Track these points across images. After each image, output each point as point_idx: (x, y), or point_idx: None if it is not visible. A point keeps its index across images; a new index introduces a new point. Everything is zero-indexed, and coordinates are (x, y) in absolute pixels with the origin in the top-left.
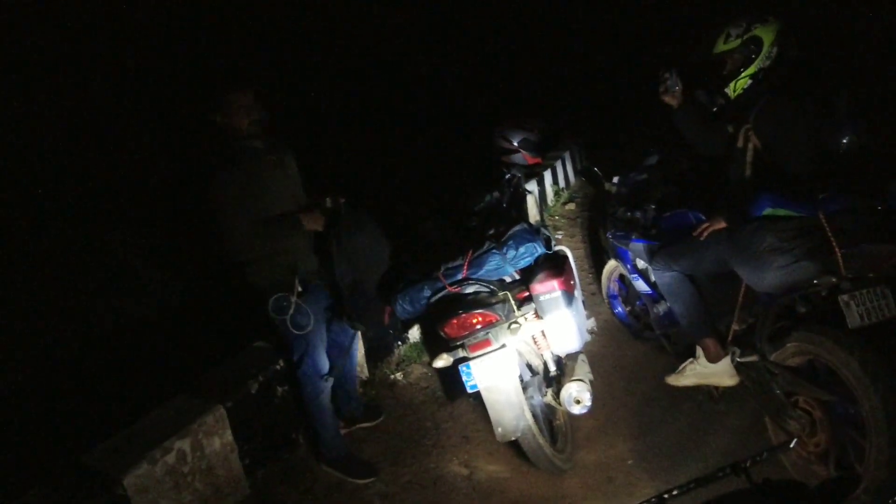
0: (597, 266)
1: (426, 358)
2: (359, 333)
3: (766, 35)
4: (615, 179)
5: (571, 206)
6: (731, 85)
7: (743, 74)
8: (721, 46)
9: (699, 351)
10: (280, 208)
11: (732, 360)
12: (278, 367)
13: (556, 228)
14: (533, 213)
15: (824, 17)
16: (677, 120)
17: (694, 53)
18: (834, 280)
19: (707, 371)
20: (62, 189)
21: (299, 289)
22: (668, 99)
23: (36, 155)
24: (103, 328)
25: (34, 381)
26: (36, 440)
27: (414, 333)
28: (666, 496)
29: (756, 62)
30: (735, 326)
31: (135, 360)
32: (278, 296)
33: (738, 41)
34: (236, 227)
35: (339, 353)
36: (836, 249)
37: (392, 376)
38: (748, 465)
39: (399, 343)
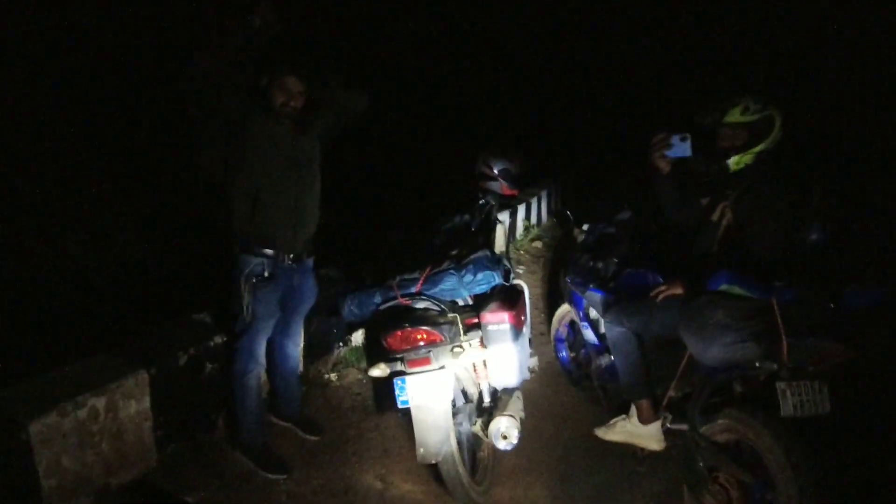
0: (550, 308)
1: (364, 364)
2: (302, 328)
3: (778, 117)
4: (585, 227)
5: (538, 244)
6: (736, 158)
7: (751, 150)
8: (737, 117)
9: (633, 410)
10: (272, 160)
11: (663, 426)
12: (212, 343)
13: (518, 262)
14: (500, 244)
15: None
16: (660, 184)
17: (703, 118)
18: (775, 366)
19: (637, 431)
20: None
21: (266, 273)
22: (661, 163)
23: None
24: (48, 273)
25: None
26: None
27: (357, 337)
28: None
29: (766, 141)
30: (671, 393)
31: (73, 306)
32: (260, 261)
33: (757, 116)
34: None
35: (283, 340)
36: (783, 337)
37: (327, 376)
38: None
39: (340, 344)
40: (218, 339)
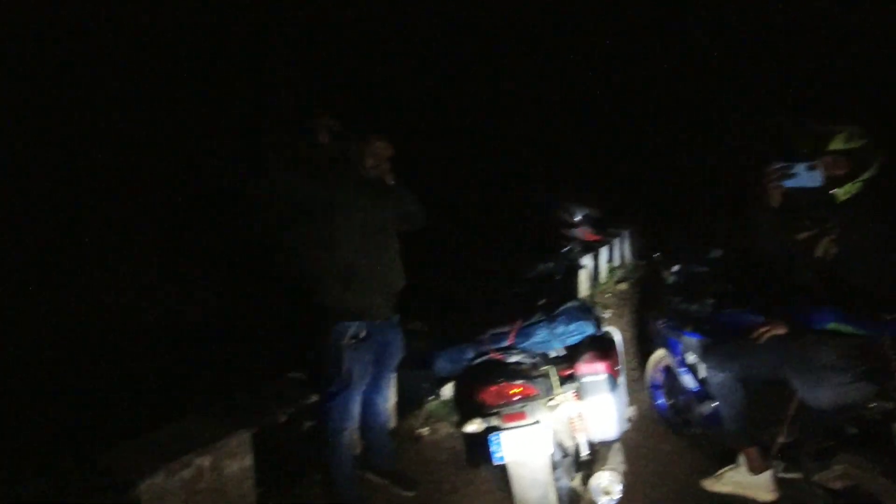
0: (641, 351)
1: (455, 418)
2: (391, 383)
3: (876, 145)
4: (674, 268)
5: (624, 285)
6: (847, 187)
7: (860, 179)
8: (840, 144)
9: (741, 459)
10: (359, 225)
11: (774, 474)
12: (309, 401)
13: (605, 307)
14: (584, 288)
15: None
16: (763, 215)
17: (800, 146)
18: (890, 406)
19: (746, 482)
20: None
21: (362, 335)
22: (775, 193)
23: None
24: (151, 324)
25: (71, 371)
26: (62, 434)
27: (446, 391)
28: None
29: (872, 167)
30: (781, 439)
31: (173, 369)
32: (356, 324)
33: (861, 142)
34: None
35: (374, 396)
36: None
37: (418, 431)
38: None
39: (430, 398)
40: (314, 398)
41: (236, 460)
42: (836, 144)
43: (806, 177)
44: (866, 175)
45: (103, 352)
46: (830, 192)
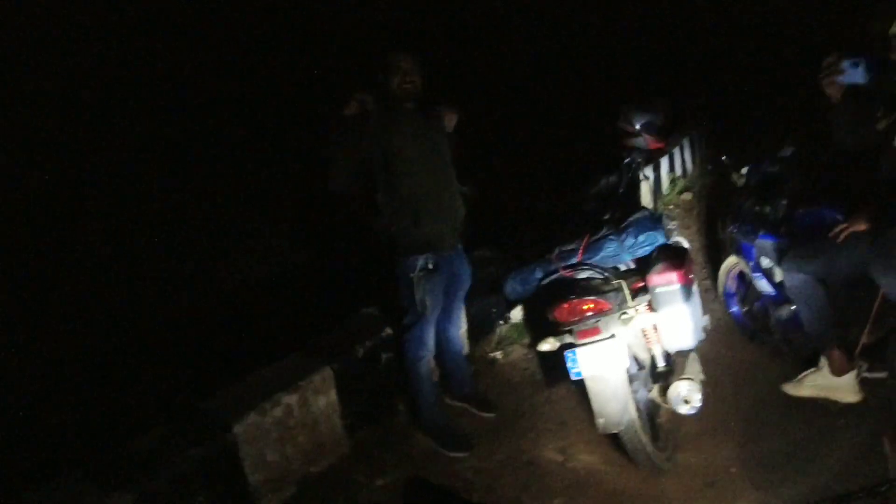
0: (711, 261)
1: (526, 339)
2: (463, 310)
3: None
4: (744, 170)
5: (688, 195)
6: None
7: None
8: None
9: (823, 361)
10: (415, 164)
11: (858, 375)
12: (384, 334)
13: (669, 218)
14: (647, 201)
15: None
16: (832, 113)
17: (872, 26)
18: None
19: (829, 384)
20: (188, 147)
21: (430, 266)
22: (831, 90)
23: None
24: (228, 287)
25: (164, 331)
26: (159, 386)
27: (516, 314)
28: None
29: None
30: (865, 339)
31: (254, 318)
32: (424, 256)
33: None
34: (344, 166)
35: (447, 324)
36: None
37: (492, 354)
38: (885, 489)
39: (501, 322)
40: (389, 331)
41: (322, 396)
42: None
43: (853, 73)
44: None
45: (196, 310)
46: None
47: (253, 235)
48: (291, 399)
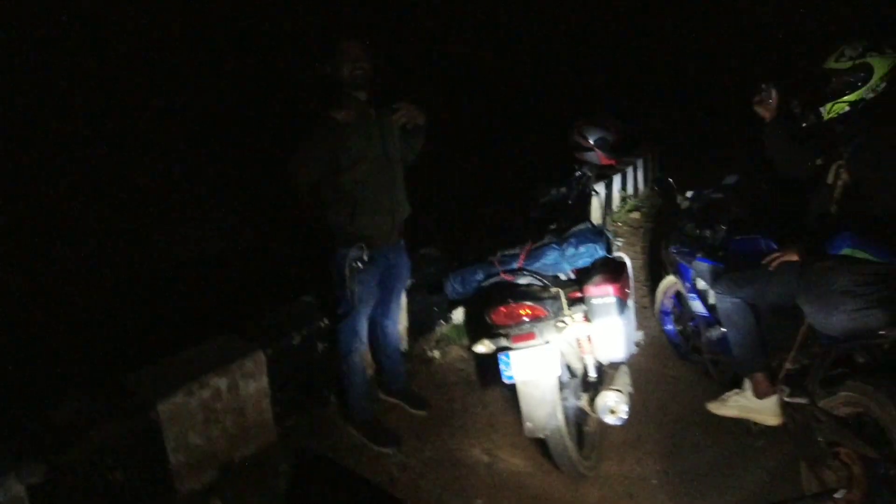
0: (652, 280)
1: (465, 341)
2: (404, 304)
3: (880, 66)
4: (689, 194)
5: (636, 214)
6: (828, 106)
7: (843, 99)
8: (831, 63)
9: (747, 384)
10: (361, 159)
11: (780, 399)
12: (322, 323)
13: (617, 235)
14: (596, 216)
15: None
16: (767, 134)
17: (801, 64)
18: None
19: (752, 406)
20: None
21: (365, 258)
22: (761, 110)
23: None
24: (167, 258)
25: (92, 300)
26: (84, 359)
27: (457, 315)
28: None
29: (860, 91)
30: (789, 365)
31: (189, 292)
32: (358, 248)
33: (850, 63)
34: (302, 158)
35: (383, 319)
36: None
37: (430, 353)
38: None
39: (442, 322)
40: (326, 321)
41: (253, 380)
42: (829, 64)
43: (767, 93)
44: (851, 97)
45: (129, 285)
46: (819, 109)
47: (201, 209)
48: (221, 382)
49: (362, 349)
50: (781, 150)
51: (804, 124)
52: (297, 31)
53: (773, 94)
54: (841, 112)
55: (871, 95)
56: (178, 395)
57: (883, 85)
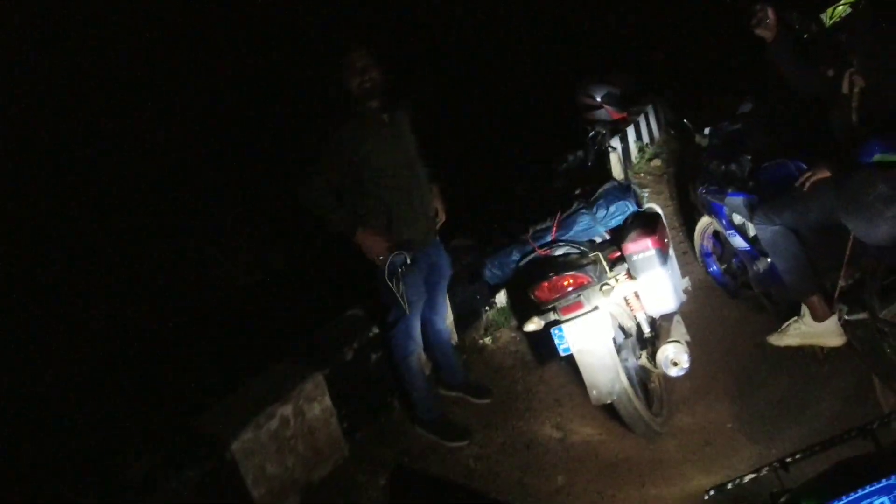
0: (687, 224)
1: (514, 322)
2: (447, 301)
3: None
4: (706, 131)
5: (657, 162)
6: (829, 11)
7: (842, 2)
8: None
9: (804, 309)
10: (385, 168)
11: (839, 319)
12: (371, 334)
13: (642, 186)
14: (617, 171)
15: None
16: (772, 55)
17: None
18: None
19: (812, 330)
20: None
21: (407, 261)
22: (761, 32)
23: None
24: (206, 295)
25: (148, 346)
26: (145, 405)
27: (500, 298)
28: (789, 460)
29: None
30: (842, 283)
31: (236, 326)
32: (400, 253)
33: None
34: (314, 182)
35: (432, 316)
36: None
37: (481, 341)
38: (875, 427)
39: (486, 308)
40: (375, 330)
41: (316, 403)
42: None
43: (764, 13)
44: None
45: (179, 322)
46: (819, 17)
47: (232, 243)
48: (286, 410)
49: (418, 350)
50: (790, 68)
51: (806, 35)
52: (301, 35)
53: (770, 13)
54: (843, 15)
55: None
56: (248, 430)
57: None
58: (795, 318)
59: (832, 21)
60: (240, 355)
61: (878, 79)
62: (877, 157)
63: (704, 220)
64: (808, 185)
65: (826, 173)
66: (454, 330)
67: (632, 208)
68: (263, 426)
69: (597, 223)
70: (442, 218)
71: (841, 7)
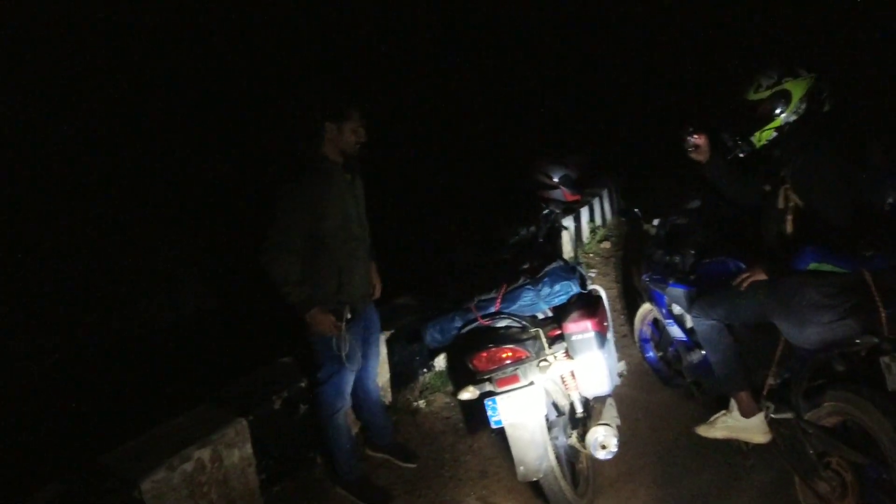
0: (629, 307)
1: (450, 388)
2: (384, 356)
3: (796, 90)
4: (655, 221)
5: (606, 244)
6: (757, 135)
7: (768, 126)
8: (750, 95)
9: (732, 404)
10: (343, 224)
11: (766, 416)
12: (302, 384)
13: (589, 266)
14: (567, 250)
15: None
16: (708, 175)
17: (726, 96)
18: (876, 340)
19: (739, 425)
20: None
21: (348, 315)
22: (694, 156)
23: (79, 153)
24: (137, 330)
25: (60, 377)
26: (57, 438)
27: (440, 362)
28: None
29: (781, 117)
30: (770, 381)
31: (163, 363)
32: (345, 307)
33: (768, 92)
34: (279, 240)
35: (363, 374)
36: (881, 309)
37: (415, 403)
38: None
39: (424, 370)
40: (306, 380)
41: (236, 449)
42: (749, 95)
43: (693, 140)
44: (776, 123)
45: (99, 358)
46: (749, 140)
47: (163, 279)
48: (203, 453)
49: (346, 408)
50: (725, 185)
51: (741, 154)
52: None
53: (701, 139)
54: (770, 138)
55: (794, 118)
56: (160, 471)
57: (803, 106)
58: (724, 411)
59: (761, 143)
60: (161, 394)
61: (808, 197)
62: (811, 265)
63: (645, 307)
64: (744, 284)
65: (762, 275)
66: (389, 389)
67: (576, 289)
68: (177, 468)
69: (540, 300)
70: (377, 294)
71: (767, 132)
